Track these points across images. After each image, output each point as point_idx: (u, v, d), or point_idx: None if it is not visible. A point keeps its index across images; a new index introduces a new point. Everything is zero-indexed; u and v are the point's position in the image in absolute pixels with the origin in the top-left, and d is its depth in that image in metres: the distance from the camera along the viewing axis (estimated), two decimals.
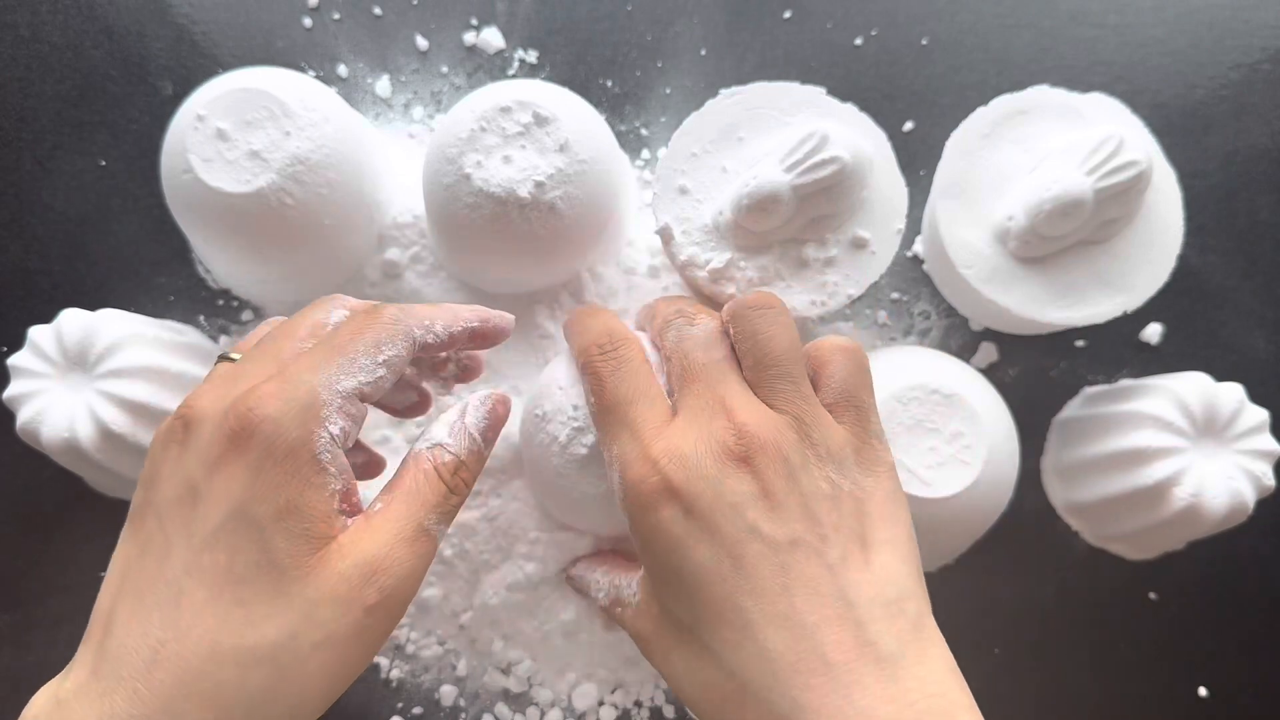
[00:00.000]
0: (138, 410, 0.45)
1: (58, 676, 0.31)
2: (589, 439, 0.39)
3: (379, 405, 0.37)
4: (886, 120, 0.45)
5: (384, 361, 0.31)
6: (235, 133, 0.43)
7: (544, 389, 0.41)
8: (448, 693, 0.49)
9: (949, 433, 0.43)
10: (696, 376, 0.34)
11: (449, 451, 0.32)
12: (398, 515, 0.30)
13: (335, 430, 0.30)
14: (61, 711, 0.29)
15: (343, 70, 0.54)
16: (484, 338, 0.36)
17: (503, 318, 0.37)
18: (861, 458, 0.34)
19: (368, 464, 0.40)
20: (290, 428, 0.29)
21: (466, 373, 0.41)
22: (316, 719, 0.30)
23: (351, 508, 0.31)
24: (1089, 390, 0.51)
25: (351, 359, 0.31)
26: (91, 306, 0.47)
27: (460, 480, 0.32)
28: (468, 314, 0.36)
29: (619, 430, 0.34)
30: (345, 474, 0.30)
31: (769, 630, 0.30)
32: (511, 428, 0.43)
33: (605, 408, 0.35)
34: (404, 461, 0.33)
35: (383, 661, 0.49)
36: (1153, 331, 0.51)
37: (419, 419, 0.45)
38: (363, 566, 0.29)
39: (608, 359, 0.36)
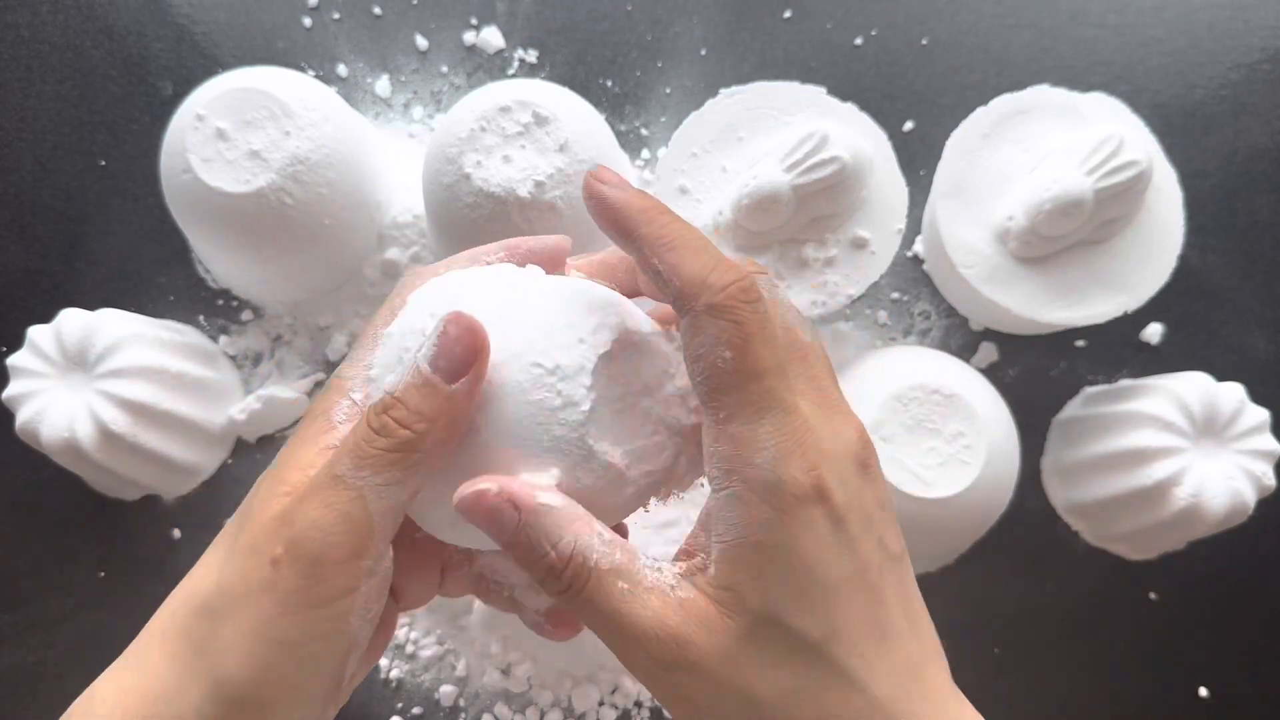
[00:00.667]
0: (137, 410, 0.45)
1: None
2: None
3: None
4: (886, 120, 0.45)
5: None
6: (235, 132, 0.43)
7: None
8: (448, 693, 0.49)
9: (949, 433, 0.43)
10: (805, 358, 0.29)
11: (382, 388, 0.27)
12: (321, 462, 0.27)
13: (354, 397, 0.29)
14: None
15: (343, 70, 0.54)
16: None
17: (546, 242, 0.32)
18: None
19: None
20: (318, 402, 0.29)
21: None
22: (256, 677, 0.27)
23: None
24: (1089, 390, 0.51)
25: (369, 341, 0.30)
26: (91, 306, 0.47)
27: (390, 420, 0.26)
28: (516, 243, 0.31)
29: (768, 407, 0.27)
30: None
31: (904, 643, 0.28)
32: None
33: (751, 373, 0.27)
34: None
35: (383, 661, 0.49)
36: (1153, 331, 0.51)
37: None
38: (279, 515, 0.26)
39: (756, 310, 0.27)
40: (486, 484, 0.26)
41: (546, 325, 0.28)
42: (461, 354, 0.26)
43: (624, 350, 0.29)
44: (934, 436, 0.43)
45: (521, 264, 0.31)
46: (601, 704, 0.49)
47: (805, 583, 0.27)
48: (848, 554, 0.27)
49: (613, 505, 0.29)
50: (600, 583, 0.27)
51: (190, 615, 0.27)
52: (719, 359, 0.27)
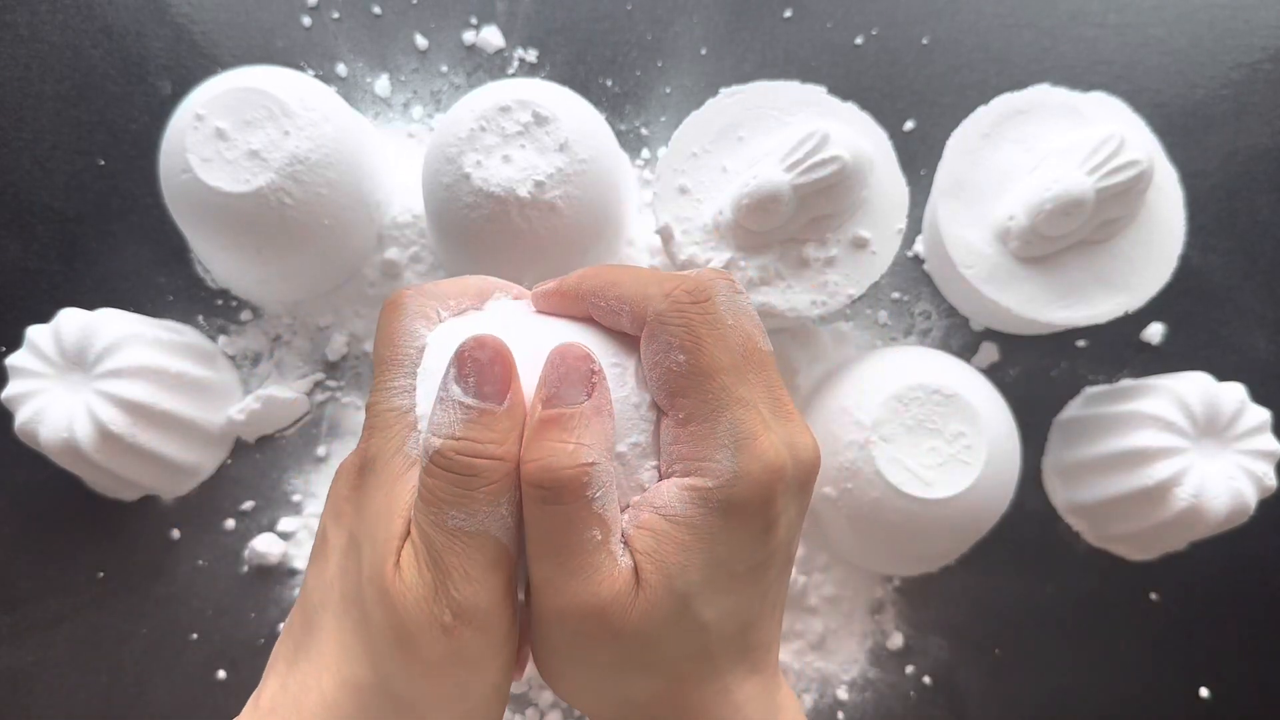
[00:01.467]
0: (136, 410, 0.44)
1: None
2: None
3: None
4: (887, 120, 0.44)
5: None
6: (234, 132, 0.43)
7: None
8: None
9: (950, 433, 0.43)
10: (765, 365, 0.29)
11: (437, 435, 0.26)
12: (424, 526, 0.27)
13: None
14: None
15: (342, 70, 0.54)
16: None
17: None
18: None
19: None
20: (382, 442, 0.28)
21: None
22: None
23: None
24: (1090, 390, 0.51)
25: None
26: (90, 306, 0.47)
27: (466, 461, 0.26)
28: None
29: (725, 404, 0.28)
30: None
31: (769, 650, 0.30)
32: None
33: (706, 371, 0.28)
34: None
35: None
36: (1154, 331, 0.51)
37: None
38: (416, 579, 0.26)
39: (705, 312, 0.28)
40: (585, 352, 0.28)
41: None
42: (500, 373, 0.27)
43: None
44: (935, 437, 0.43)
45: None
46: None
47: (718, 575, 0.28)
48: (761, 553, 0.28)
49: None
50: (585, 515, 0.27)
51: (367, 708, 0.27)
52: (673, 362, 0.28)
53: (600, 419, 0.27)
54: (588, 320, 0.30)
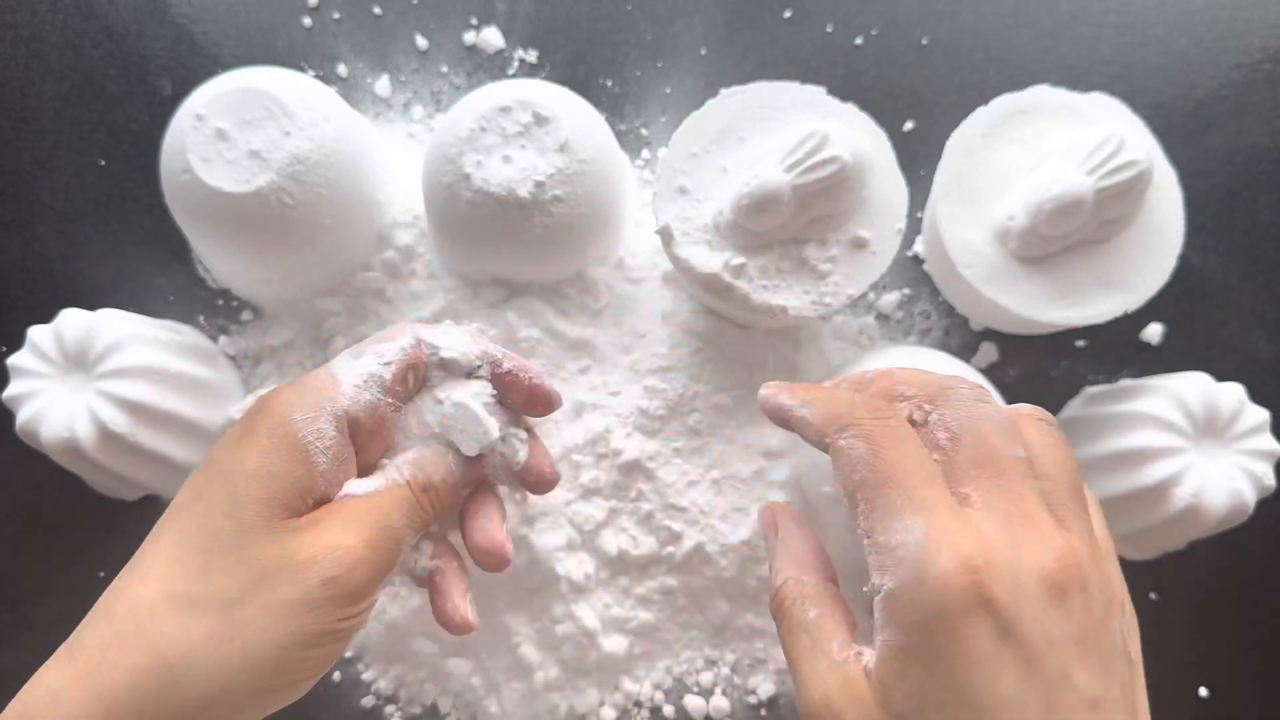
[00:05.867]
0: (137, 410, 0.45)
1: None
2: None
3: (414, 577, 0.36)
4: (886, 120, 0.44)
5: (391, 356, 0.34)
6: (235, 132, 0.43)
7: None
8: (445, 698, 0.49)
9: None
10: (1001, 470, 0.29)
11: (422, 469, 0.34)
12: (364, 508, 0.32)
13: (335, 408, 0.32)
14: (61, 651, 0.30)
15: (342, 70, 0.54)
16: (529, 403, 0.37)
17: (548, 391, 0.37)
18: (1128, 611, 0.31)
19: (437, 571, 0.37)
20: (286, 401, 0.32)
21: (535, 405, 0.38)
22: (272, 690, 0.30)
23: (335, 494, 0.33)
24: (1089, 390, 0.51)
25: (361, 353, 0.34)
26: (91, 306, 0.47)
27: (429, 497, 0.34)
28: (509, 363, 0.37)
29: (905, 507, 0.28)
30: (340, 462, 0.32)
31: None
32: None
33: (883, 478, 0.28)
34: (388, 464, 0.34)
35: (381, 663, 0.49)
36: (1153, 331, 0.51)
37: None
38: (321, 540, 0.30)
39: (885, 424, 0.30)
40: (773, 508, 0.37)
41: None
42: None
43: None
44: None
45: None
46: (602, 704, 0.49)
47: (951, 688, 0.26)
48: (1016, 675, 0.26)
49: None
50: (790, 627, 0.31)
51: (183, 616, 0.30)
52: (852, 473, 0.29)
53: (786, 544, 0.34)
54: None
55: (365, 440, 0.34)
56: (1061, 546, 0.27)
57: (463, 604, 0.35)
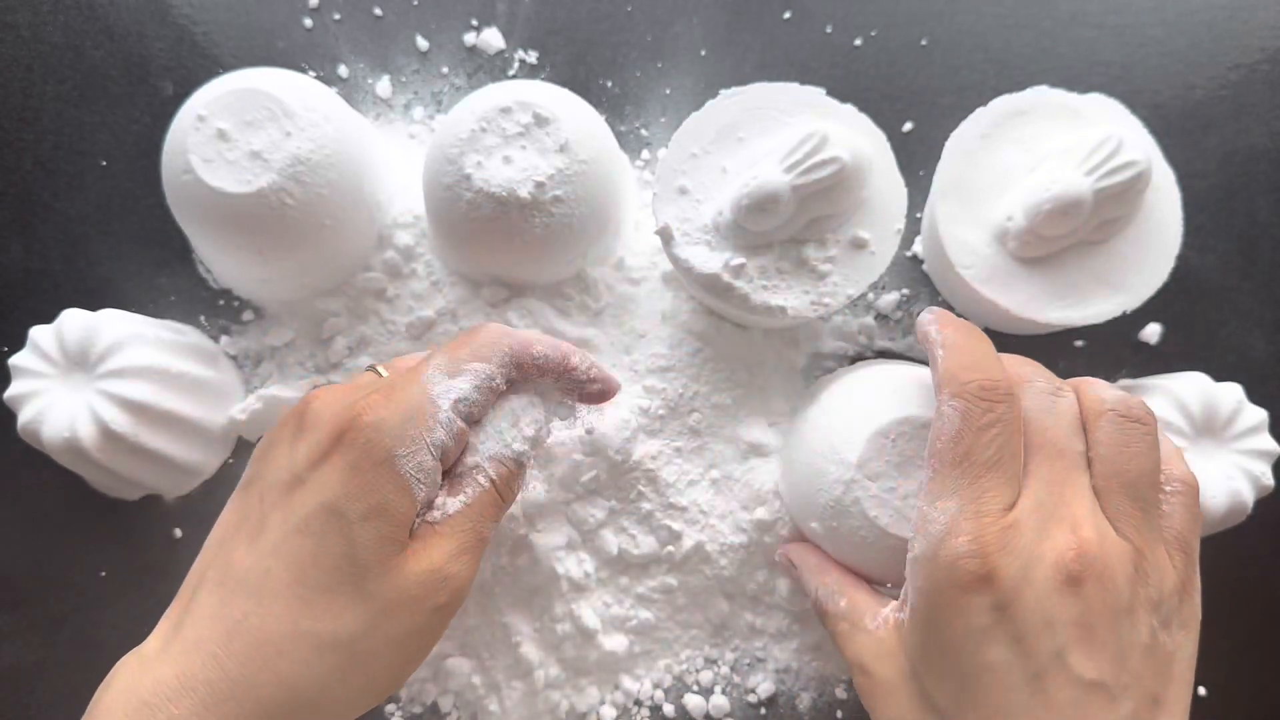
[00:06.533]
0: (138, 410, 0.45)
1: (145, 642, 0.33)
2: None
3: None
4: (886, 120, 0.45)
5: (482, 377, 0.35)
6: (236, 133, 0.43)
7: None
8: (446, 697, 0.49)
9: None
10: (1054, 461, 0.31)
11: (504, 464, 0.35)
12: (461, 526, 0.33)
13: (434, 440, 0.32)
14: (144, 668, 0.31)
15: (343, 70, 0.54)
16: (589, 394, 0.40)
17: (610, 380, 0.40)
18: (1183, 609, 0.32)
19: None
20: (390, 434, 0.32)
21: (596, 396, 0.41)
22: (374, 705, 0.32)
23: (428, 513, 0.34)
24: None
25: (458, 369, 0.34)
26: (92, 306, 0.47)
27: (512, 490, 0.35)
28: (576, 358, 0.38)
29: (962, 491, 0.30)
30: (432, 485, 0.33)
31: None
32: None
33: (960, 458, 0.31)
34: (463, 471, 0.35)
35: None
36: (1152, 331, 0.51)
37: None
38: (434, 572, 0.32)
39: (993, 409, 0.31)
40: (783, 550, 0.44)
41: None
42: (544, 434, 0.39)
43: None
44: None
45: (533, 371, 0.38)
46: (603, 703, 0.49)
47: (949, 655, 0.30)
48: (1006, 646, 0.28)
49: None
50: (832, 622, 0.38)
51: (315, 651, 0.31)
52: (938, 443, 0.32)
53: None
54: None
55: (449, 456, 0.34)
56: (1088, 537, 0.29)
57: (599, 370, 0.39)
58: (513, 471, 0.35)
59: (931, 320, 0.36)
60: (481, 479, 0.34)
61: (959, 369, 0.32)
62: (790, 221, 0.42)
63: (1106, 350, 0.52)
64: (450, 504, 0.33)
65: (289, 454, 0.33)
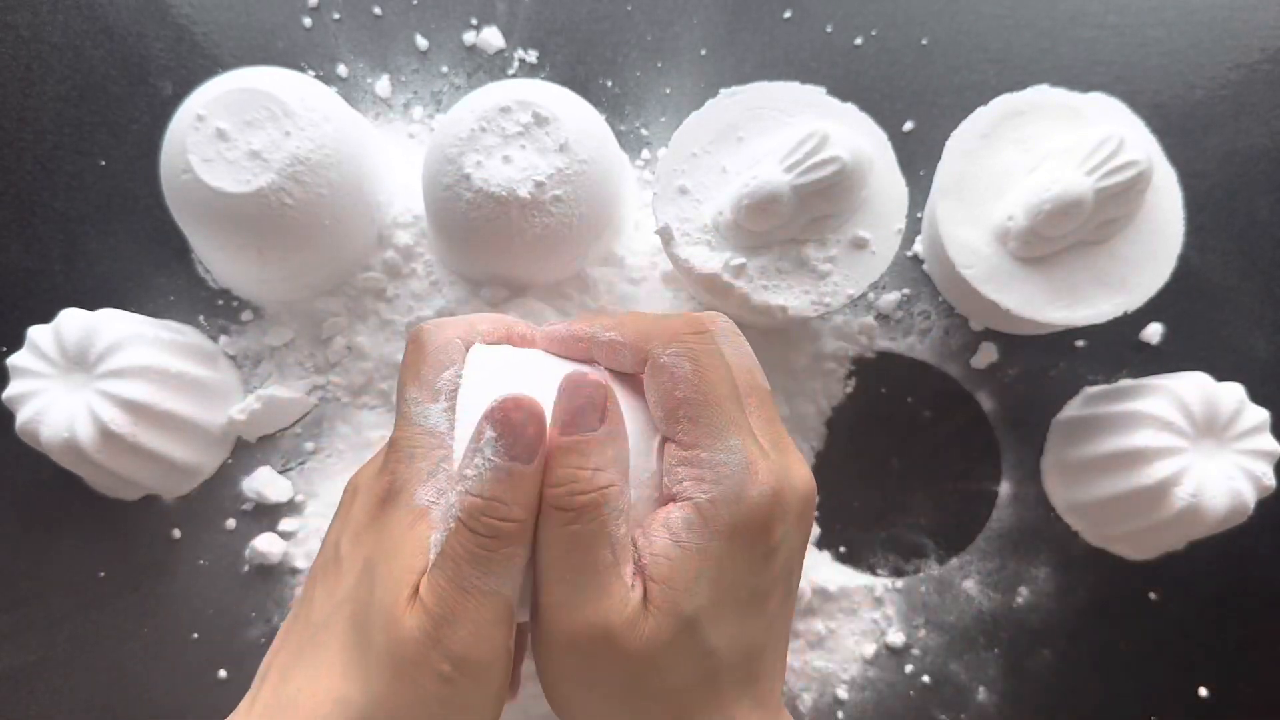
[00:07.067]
0: (137, 410, 0.45)
1: None
2: None
3: None
4: (886, 120, 0.45)
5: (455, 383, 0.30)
6: (235, 133, 0.43)
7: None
8: None
9: None
10: (764, 399, 0.31)
11: (468, 493, 0.27)
12: (441, 579, 0.27)
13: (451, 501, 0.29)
14: None
15: (343, 70, 0.54)
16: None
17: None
18: None
19: None
20: (420, 496, 0.29)
21: None
22: None
23: None
24: (1089, 390, 0.51)
25: (434, 395, 0.30)
26: (91, 306, 0.47)
27: (494, 521, 0.27)
28: (521, 325, 0.33)
29: (727, 428, 0.29)
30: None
31: (774, 680, 0.31)
32: None
33: (709, 398, 0.29)
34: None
35: None
36: (1153, 331, 0.51)
37: None
38: (429, 635, 0.27)
39: (705, 345, 0.29)
40: (598, 379, 0.29)
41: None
42: (533, 435, 0.27)
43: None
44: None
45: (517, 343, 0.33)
46: None
47: (723, 599, 0.28)
48: (765, 580, 0.29)
49: None
50: (599, 533, 0.28)
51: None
52: (676, 389, 0.29)
53: (615, 443, 0.28)
54: (591, 361, 0.32)
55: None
56: (808, 470, 0.31)
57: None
58: (483, 499, 0.27)
59: (564, 325, 0.32)
60: (451, 515, 0.28)
61: (652, 327, 0.30)
62: (790, 221, 0.42)
63: (1108, 350, 0.52)
64: (435, 541, 0.28)
65: (334, 533, 0.32)
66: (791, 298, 0.43)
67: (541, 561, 0.28)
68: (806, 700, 0.49)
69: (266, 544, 0.49)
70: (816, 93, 0.44)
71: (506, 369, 0.30)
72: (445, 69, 0.54)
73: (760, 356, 0.49)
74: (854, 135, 0.42)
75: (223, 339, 0.51)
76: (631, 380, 0.31)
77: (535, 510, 0.28)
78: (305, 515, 0.50)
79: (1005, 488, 0.51)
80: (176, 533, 0.50)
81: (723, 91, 0.44)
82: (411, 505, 0.28)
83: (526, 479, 0.27)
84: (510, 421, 0.27)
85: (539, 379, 0.29)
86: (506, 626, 0.27)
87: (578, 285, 0.50)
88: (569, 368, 0.30)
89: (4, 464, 0.50)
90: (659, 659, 0.28)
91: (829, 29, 0.54)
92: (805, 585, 0.49)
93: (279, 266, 0.47)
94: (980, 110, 0.46)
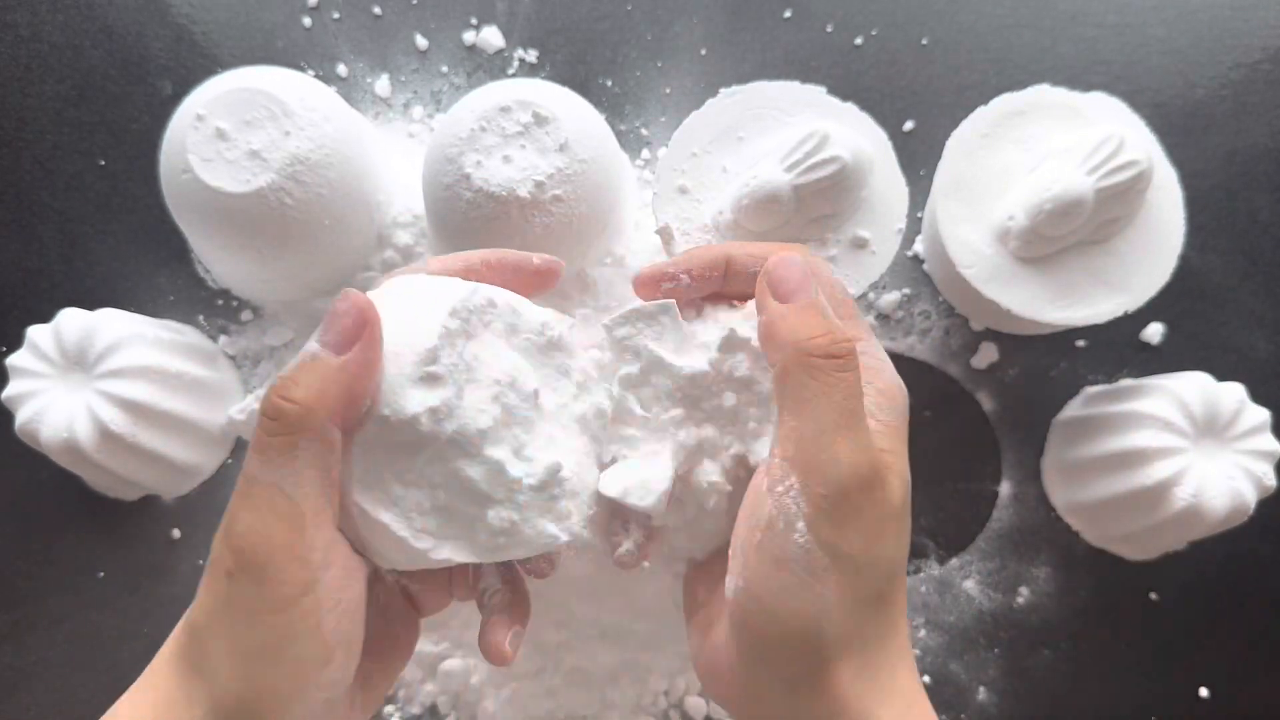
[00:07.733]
0: (137, 410, 0.45)
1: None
2: None
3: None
4: (886, 120, 0.44)
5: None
6: (235, 132, 0.43)
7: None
8: (444, 698, 0.49)
9: None
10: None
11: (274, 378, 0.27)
12: (241, 474, 0.27)
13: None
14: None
15: (342, 70, 0.54)
16: (529, 283, 0.33)
17: (548, 260, 0.33)
18: None
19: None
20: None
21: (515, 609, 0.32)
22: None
23: None
24: (1089, 390, 0.51)
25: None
26: (91, 306, 0.47)
27: (280, 401, 0.26)
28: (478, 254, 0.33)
29: (858, 425, 0.28)
30: None
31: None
32: None
33: (853, 416, 0.28)
34: None
35: None
36: (1153, 331, 0.51)
37: None
38: (223, 528, 0.27)
39: (856, 361, 0.29)
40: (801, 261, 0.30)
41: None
42: (349, 326, 0.26)
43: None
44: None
45: (501, 281, 0.32)
46: (602, 705, 0.49)
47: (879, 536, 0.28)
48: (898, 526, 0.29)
49: None
50: (859, 376, 0.29)
51: (186, 637, 0.28)
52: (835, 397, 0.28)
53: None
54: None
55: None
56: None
57: (504, 636, 0.31)
58: (277, 385, 0.27)
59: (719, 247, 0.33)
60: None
61: (812, 322, 0.29)
62: (791, 221, 0.42)
63: (1108, 350, 0.52)
64: None
65: None
66: None
67: (814, 415, 0.27)
68: None
69: None
70: (816, 92, 0.44)
71: (411, 293, 0.30)
72: (445, 68, 0.54)
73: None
74: (854, 135, 0.42)
75: (222, 339, 0.51)
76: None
77: (330, 407, 0.26)
78: None
79: (1005, 488, 0.51)
80: (176, 533, 0.50)
81: (723, 91, 0.44)
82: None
83: (328, 368, 0.26)
84: (334, 310, 0.26)
85: (432, 301, 0.29)
86: (288, 525, 0.26)
87: (578, 285, 0.50)
88: (467, 287, 0.30)
89: (4, 464, 0.50)
90: (902, 514, 0.28)
91: (829, 29, 0.54)
92: None
93: (278, 266, 0.47)
94: (980, 110, 0.46)
